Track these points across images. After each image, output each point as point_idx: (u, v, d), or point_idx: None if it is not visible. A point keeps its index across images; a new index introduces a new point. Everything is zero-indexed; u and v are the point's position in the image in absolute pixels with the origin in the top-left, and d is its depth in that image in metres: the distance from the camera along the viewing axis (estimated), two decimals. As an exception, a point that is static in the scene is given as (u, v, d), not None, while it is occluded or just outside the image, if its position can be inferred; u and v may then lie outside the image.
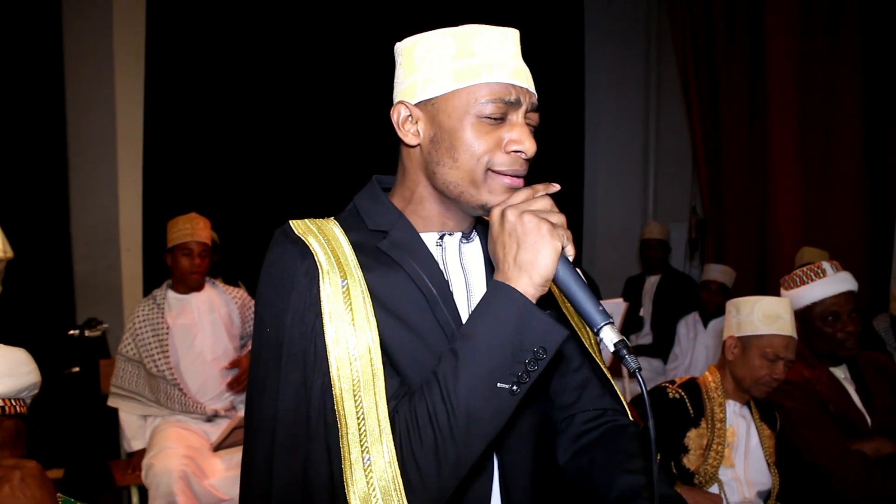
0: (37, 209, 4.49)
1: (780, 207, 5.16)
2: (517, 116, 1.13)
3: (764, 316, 2.29)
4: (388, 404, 1.04)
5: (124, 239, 4.95)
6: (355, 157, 5.13)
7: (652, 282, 5.41)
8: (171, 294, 3.44)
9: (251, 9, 5.15)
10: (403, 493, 1.00)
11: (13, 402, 1.40)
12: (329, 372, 1.05)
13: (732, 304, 2.41)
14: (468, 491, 1.14)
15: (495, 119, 1.11)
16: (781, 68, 5.09)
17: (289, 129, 5.28)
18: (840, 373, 2.67)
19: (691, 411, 2.34)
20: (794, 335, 2.30)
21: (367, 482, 1.00)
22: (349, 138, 5.30)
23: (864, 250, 4.83)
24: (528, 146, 1.11)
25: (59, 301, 4.64)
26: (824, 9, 4.95)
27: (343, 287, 1.09)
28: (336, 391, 1.04)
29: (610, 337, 1.01)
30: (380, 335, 1.08)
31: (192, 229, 3.38)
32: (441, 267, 1.20)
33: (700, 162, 5.84)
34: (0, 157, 4.27)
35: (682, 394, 2.37)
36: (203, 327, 3.41)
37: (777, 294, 4.95)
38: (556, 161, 6.47)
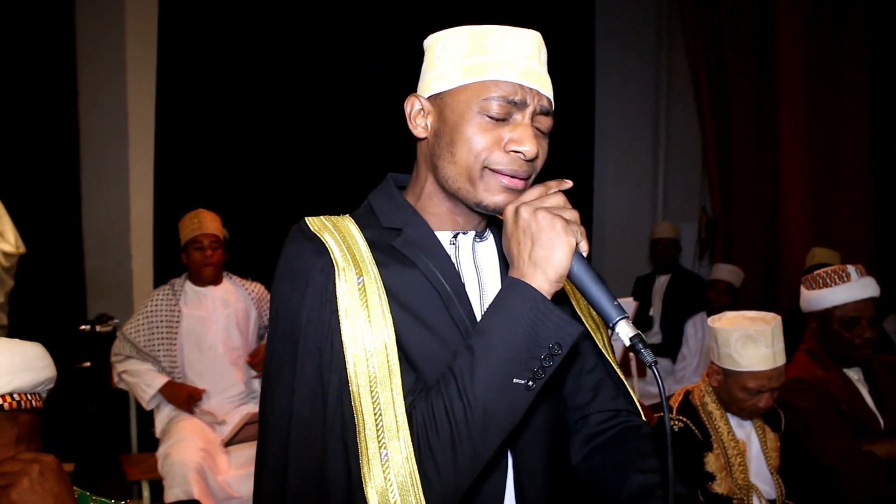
0: (48, 204, 4.51)
1: (790, 207, 5.15)
2: (522, 117, 1.12)
3: (742, 350, 2.14)
4: (405, 400, 1.04)
5: (135, 234, 4.96)
6: (358, 155, 5.13)
7: (662, 281, 5.39)
8: (189, 285, 3.49)
9: (259, 7, 5.16)
10: (420, 489, 1.00)
11: (29, 396, 1.41)
12: (346, 368, 1.05)
13: (711, 329, 2.24)
14: (482, 487, 1.14)
15: (498, 118, 1.11)
16: (790, 69, 5.09)
17: (296, 125, 5.29)
18: (853, 374, 2.65)
19: (699, 436, 2.26)
20: (780, 363, 2.16)
21: (385, 478, 1.01)
22: (350, 138, 5.29)
23: (872, 251, 4.82)
24: (529, 148, 1.10)
25: (70, 296, 4.66)
26: (832, 11, 4.94)
27: (359, 284, 1.09)
28: (353, 388, 1.04)
29: (626, 332, 1.02)
30: (397, 331, 1.08)
31: (200, 223, 3.43)
32: (454, 265, 1.20)
33: (710, 161, 5.83)
34: (11, 151, 4.28)
35: (685, 420, 2.28)
36: (216, 320, 3.44)
37: (788, 294, 4.95)
38: (566, 160, 6.46)
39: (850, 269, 2.58)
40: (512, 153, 1.11)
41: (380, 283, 1.10)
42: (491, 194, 1.13)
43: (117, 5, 4.82)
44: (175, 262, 3.57)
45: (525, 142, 1.10)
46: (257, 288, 3.61)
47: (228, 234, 4.37)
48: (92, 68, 4.77)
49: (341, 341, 1.06)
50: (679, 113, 6.64)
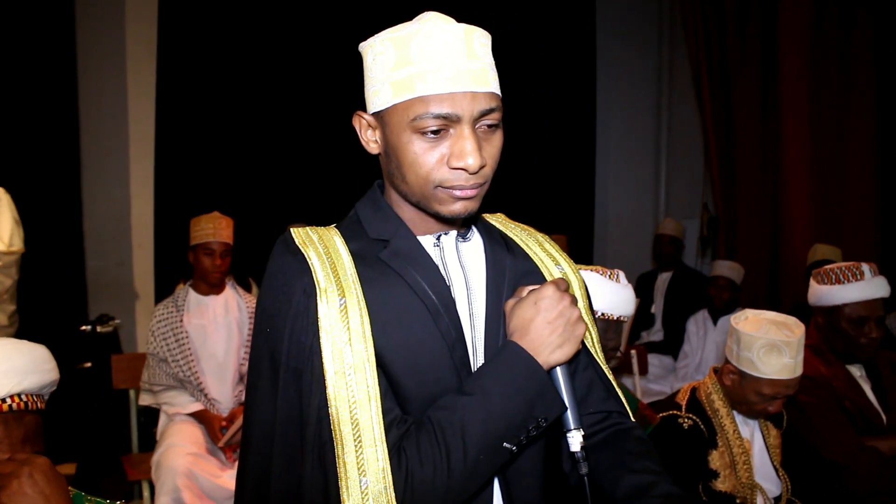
0: (49, 205, 4.51)
1: (793, 204, 5.14)
2: (461, 128, 1.06)
3: (765, 357, 2.10)
4: (386, 429, 1.05)
5: (136, 235, 4.97)
6: (360, 158, 5.10)
7: (664, 278, 5.39)
8: (192, 294, 3.47)
9: (259, 7, 5.15)
10: None
11: (35, 397, 1.43)
12: (326, 392, 1.05)
13: (734, 329, 2.20)
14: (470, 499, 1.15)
15: (435, 132, 1.06)
16: (794, 65, 5.07)
17: (299, 125, 5.29)
18: (856, 371, 2.64)
19: (706, 433, 2.25)
20: (799, 373, 2.13)
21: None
22: (353, 140, 5.28)
23: (876, 248, 4.81)
24: (472, 162, 1.05)
25: (71, 297, 4.66)
26: (837, 5, 4.92)
27: (341, 305, 1.08)
28: (332, 410, 1.04)
29: (576, 441, 1.11)
30: (379, 349, 1.08)
31: (215, 228, 3.40)
32: (441, 268, 1.19)
33: (712, 159, 5.81)
34: (12, 152, 4.28)
35: (695, 419, 2.27)
36: (217, 327, 3.42)
37: (791, 291, 4.93)
38: (568, 158, 6.46)
39: (864, 267, 2.54)
40: (457, 169, 1.07)
41: (362, 303, 1.09)
42: (446, 206, 1.12)
43: (117, 6, 4.82)
44: (175, 263, 3.55)
45: (466, 155, 1.05)
46: (254, 302, 3.58)
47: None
48: (92, 69, 4.77)
49: (322, 363, 1.05)
50: (681, 109, 6.63)
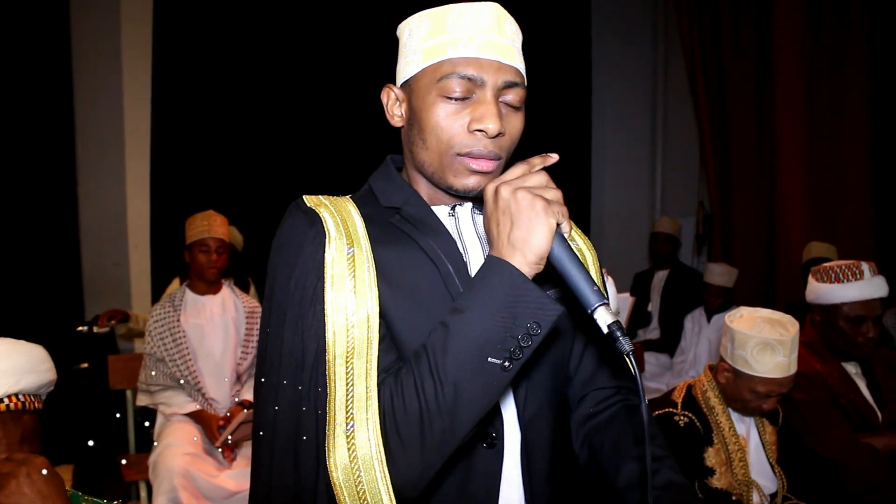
0: (45, 205, 4.51)
1: (788, 202, 5.15)
2: (484, 93, 1.09)
3: (759, 356, 2.10)
4: (378, 376, 1.03)
5: (132, 235, 4.97)
6: (357, 155, 5.10)
7: (660, 276, 5.40)
8: (189, 294, 3.47)
9: (254, 7, 5.14)
10: (385, 465, 0.99)
11: (32, 397, 1.44)
12: (325, 336, 1.04)
13: (728, 327, 2.19)
14: (477, 465, 1.13)
15: (460, 97, 1.09)
16: (789, 63, 5.08)
17: (296, 122, 5.27)
18: (852, 368, 2.64)
19: (702, 430, 2.26)
20: (793, 372, 2.13)
21: (349, 450, 1.00)
22: (348, 137, 5.27)
23: (871, 245, 4.82)
24: (491, 126, 1.06)
25: (68, 297, 4.66)
26: (832, 4, 4.93)
27: (349, 254, 1.08)
28: (329, 356, 1.03)
29: (604, 318, 0.96)
30: (383, 306, 1.07)
31: (209, 226, 3.42)
32: (457, 236, 1.19)
33: (707, 156, 5.83)
34: (8, 153, 4.28)
35: (690, 416, 2.28)
36: (214, 327, 3.42)
37: (786, 289, 4.94)
38: (563, 155, 6.40)
39: (864, 266, 2.53)
40: (476, 132, 1.08)
41: (370, 256, 1.09)
42: (460, 178, 1.12)
43: (112, 6, 4.82)
44: (172, 263, 3.55)
45: (486, 119, 1.07)
46: (251, 303, 3.59)
47: (243, 240, 4.38)
48: (88, 70, 4.77)
49: (323, 309, 1.05)
50: (676, 108, 6.64)
